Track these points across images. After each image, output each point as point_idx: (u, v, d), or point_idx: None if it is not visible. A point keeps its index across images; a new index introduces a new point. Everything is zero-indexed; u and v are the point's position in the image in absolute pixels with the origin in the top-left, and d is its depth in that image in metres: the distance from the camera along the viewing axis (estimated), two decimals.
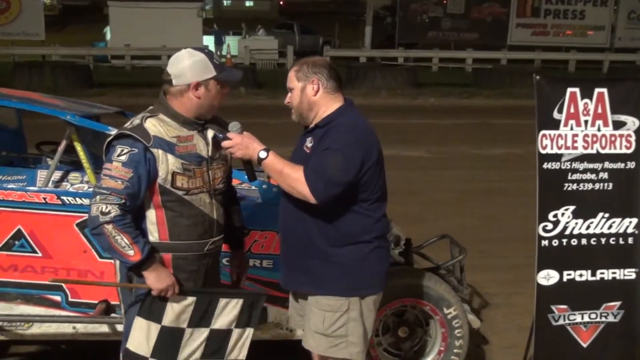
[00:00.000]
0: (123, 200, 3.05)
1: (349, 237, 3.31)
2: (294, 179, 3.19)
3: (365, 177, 3.23)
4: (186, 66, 3.18)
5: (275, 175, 3.28)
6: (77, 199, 4.10)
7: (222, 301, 3.39)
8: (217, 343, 3.43)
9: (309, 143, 3.36)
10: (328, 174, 3.14)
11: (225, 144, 3.27)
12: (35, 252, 4.15)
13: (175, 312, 3.28)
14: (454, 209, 8.88)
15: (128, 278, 3.28)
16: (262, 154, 3.23)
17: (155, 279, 3.15)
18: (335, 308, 3.37)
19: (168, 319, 3.28)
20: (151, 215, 3.22)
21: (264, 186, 4.25)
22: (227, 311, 3.41)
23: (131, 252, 3.05)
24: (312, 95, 3.32)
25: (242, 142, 3.25)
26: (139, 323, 3.25)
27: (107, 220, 3.02)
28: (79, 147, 4.28)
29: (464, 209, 8.87)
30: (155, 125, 3.16)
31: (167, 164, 3.13)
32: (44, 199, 4.10)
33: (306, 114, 3.36)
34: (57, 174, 4.69)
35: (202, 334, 3.38)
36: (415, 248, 4.95)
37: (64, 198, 4.10)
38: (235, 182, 4.71)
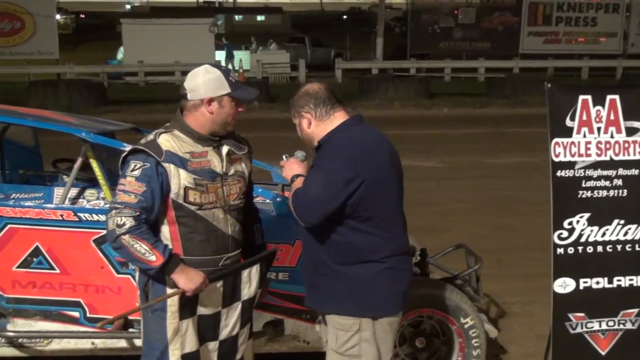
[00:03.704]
0: (137, 213, 3.11)
1: (355, 255, 3.28)
2: (289, 204, 3.29)
3: (360, 194, 3.17)
4: (200, 82, 3.24)
5: None
6: (94, 215, 4.14)
7: (245, 273, 3.48)
8: (249, 311, 3.58)
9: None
10: (308, 195, 3.19)
11: (281, 162, 3.49)
12: (53, 268, 4.19)
13: (209, 299, 3.34)
14: (469, 218, 8.87)
15: (145, 293, 3.31)
16: (293, 179, 3.38)
17: (187, 280, 3.18)
18: (346, 327, 3.35)
19: (204, 308, 3.35)
20: (165, 230, 3.27)
21: (277, 199, 4.27)
22: (251, 279, 3.51)
23: (153, 258, 3.10)
24: (307, 128, 3.38)
25: (290, 164, 3.44)
26: (184, 326, 3.29)
27: (123, 231, 3.08)
28: (94, 164, 4.32)
29: (478, 219, 8.85)
30: (168, 141, 3.21)
31: (179, 178, 3.17)
32: (61, 216, 4.14)
33: (311, 145, 3.42)
34: (74, 191, 4.72)
35: (236, 309, 3.48)
36: (431, 258, 4.95)
37: (81, 215, 4.14)
38: None
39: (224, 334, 3.47)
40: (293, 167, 3.41)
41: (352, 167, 3.17)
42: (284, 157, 3.51)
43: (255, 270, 3.54)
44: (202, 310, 3.36)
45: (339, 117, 3.36)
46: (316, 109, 3.34)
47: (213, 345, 3.46)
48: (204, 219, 3.27)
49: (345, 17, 64.29)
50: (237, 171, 3.41)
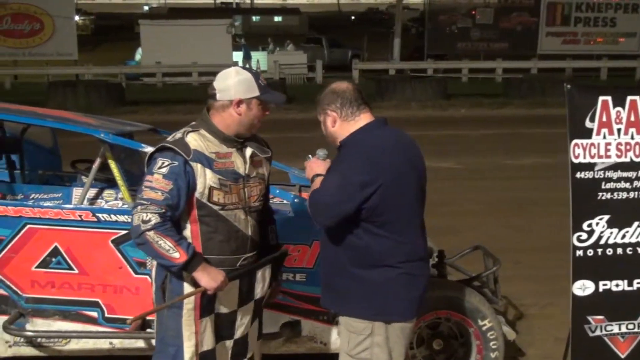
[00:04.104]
0: (163, 210, 3.14)
1: (371, 259, 3.26)
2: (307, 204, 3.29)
3: (376, 199, 3.15)
4: (231, 83, 3.27)
5: None
6: (112, 215, 4.15)
7: (259, 272, 3.53)
8: (259, 309, 3.65)
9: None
10: (323, 198, 3.19)
11: (305, 163, 3.47)
12: (71, 268, 4.21)
13: (226, 298, 3.38)
14: (486, 219, 8.82)
15: (162, 290, 3.33)
16: (313, 178, 3.36)
17: (209, 278, 3.22)
18: (358, 330, 3.34)
19: (221, 306, 3.40)
20: (187, 229, 3.29)
21: (295, 200, 4.27)
22: (265, 278, 3.58)
23: (177, 255, 3.13)
24: (331, 127, 3.36)
25: (311, 165, 3.42)
26: (203, 324, 3.34)
27: (148, 227, 3.11)
28: (113, 165, 4.34)
29: (496, 220, 8.81)
30: (196, 140, 3.25)
31: (205, 178, 3.21)
32: (80, 216, 4.16)
33: (334, 143, 3.40)
34: (92, 192, 4.76)
35: (250, 308, 3.53)
36: (449, 260, 4.93)
37: (99, 215, 4.16)
38: None
39: (239, 332, 3.51)
40: (314, 167, 3.40)
41: (369, 170, 3.15)
42: (308, 157, 3.49)
43: (268, 270, 3.60)
44: (219, 309, 3.40)
45: (363, 119, 3.33)
46: (342, 109, 3.31)
47: (229, 344, 3.50)
48: (226, 219, 3.31)
49: (353, 17, 64.31)
50: (258, 173, 3.45)
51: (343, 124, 3.32)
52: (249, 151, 3.38)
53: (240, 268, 3.41)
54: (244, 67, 3.43)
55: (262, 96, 3.30)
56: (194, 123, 3.37)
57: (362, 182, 3.12)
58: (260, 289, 3.56)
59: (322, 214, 3.21)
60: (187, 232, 3.29)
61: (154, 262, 3.40)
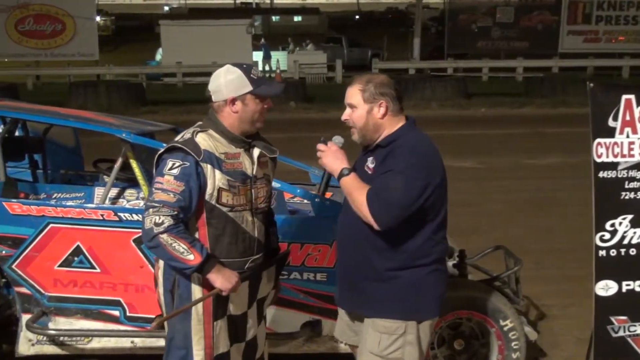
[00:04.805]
0: (175, 212, 3.09)
1: (407, 259, 3.24)
2: (359, 202, 3.15)
3: (431, 200, 3.15)
4: (222, 83, 3.23)
5: (347, 196, 3.28)
6: (134, 215, 4.17)
7: (265, 274, 3.50)
8: (262, 309, 3.60)
9: (370, 163, 3.32)
10: (389, 199, 3.09)
11: (320, 146, 3.34)
12: (93, 267, 4.24)
13: (238, 299, 3.36)
14: (507, 219, 8.78)
15: (171, 294, 3.31)
16: (344, 172, 3.24)
17: (224, 279, 3.18)
18: (391, 330, 3.31)
19: (234, 308, 3.36)
20: (194, 232, 3.24)
21: (316, 200, 4.26)
22: (268, 279, 3.55)
23: (191, 257, 3.08)
24: (379, 117, 3.26)
25: (333, 153, 3.29)
26: (217, 326, 3.31)
27: (161, 230, 3.06)
28: (134, 164, 4.36)
29: (517, 220, 8.77)
30: (205, 140, 3.20)
31: (214, 179, 3.17)
32: (102, 215, 4.19)
33: (371, 135, 3.30)
34: (114, 191, 4.79)
35: (255, 308, 3.50)
36: (470, 260, 4.90)
37: (121, 214, 4.18)
38: (287, 195, 4.76)
39: (250, 334, 3.49)
40: (337, 157, 3.29)
41: (427, 172, 3.14)
42: (322, 139, 3.37)
43: (272, 271, 3.58)
44: (232, 311, 3.36)
45: (403, 119, 3.32)
46: (394, 102, 3.27)
47: (241, 346, 3.47)
48: (233, 221, 3.27)
49: (357, 17, 64.15)
50: (265, 175, 3.42)
51: (390, 117, 3.27)
52: (256, 152, 3.33)
53: (248, 270, 3.37)
54: (235, 64, 3.33)
55: (255, 90, 3.23)
56: (200, 123, 3.33)
57: (424, 184, 3.11)
58: (263, 289, 3.53)
59: (390, 216, 3.10)
60: (195, 235, 3.24)
61: (160, 266, 3.35)
